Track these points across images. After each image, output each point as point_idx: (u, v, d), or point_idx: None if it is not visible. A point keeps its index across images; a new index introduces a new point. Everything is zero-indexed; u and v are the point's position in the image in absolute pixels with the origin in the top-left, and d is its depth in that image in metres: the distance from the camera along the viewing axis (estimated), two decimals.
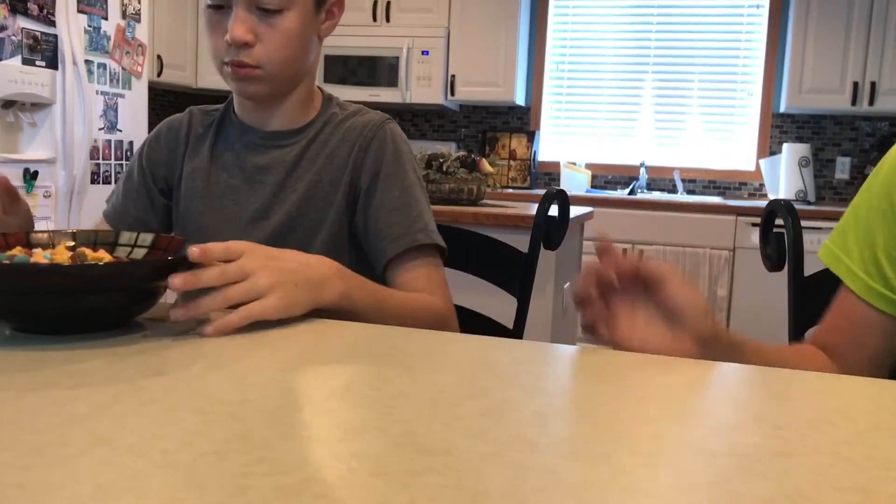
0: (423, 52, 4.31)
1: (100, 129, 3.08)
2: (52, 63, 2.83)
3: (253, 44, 1.00)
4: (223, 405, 0.53)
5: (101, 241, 0.82)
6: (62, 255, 0.73)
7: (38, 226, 2.82)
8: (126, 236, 0.84)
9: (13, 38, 2.67)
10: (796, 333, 1.15)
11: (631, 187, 4.27)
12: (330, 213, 1.08)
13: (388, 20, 4.39)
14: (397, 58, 4.31)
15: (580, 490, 0.44)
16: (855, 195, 0.91)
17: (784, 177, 4.05)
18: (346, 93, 4.28)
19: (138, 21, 3.26)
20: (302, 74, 1.09)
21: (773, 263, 1.29)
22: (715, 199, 4.04)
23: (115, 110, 3.17)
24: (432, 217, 1.10)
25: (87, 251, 0.75)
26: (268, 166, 1.11)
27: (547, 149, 4.58)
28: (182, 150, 1.14)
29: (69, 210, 2.94)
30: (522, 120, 4.62)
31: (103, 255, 0.75)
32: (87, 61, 2.98)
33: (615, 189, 4.43)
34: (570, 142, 4.55)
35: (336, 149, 1.10)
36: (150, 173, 1.15)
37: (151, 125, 3.77)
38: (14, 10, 2.66)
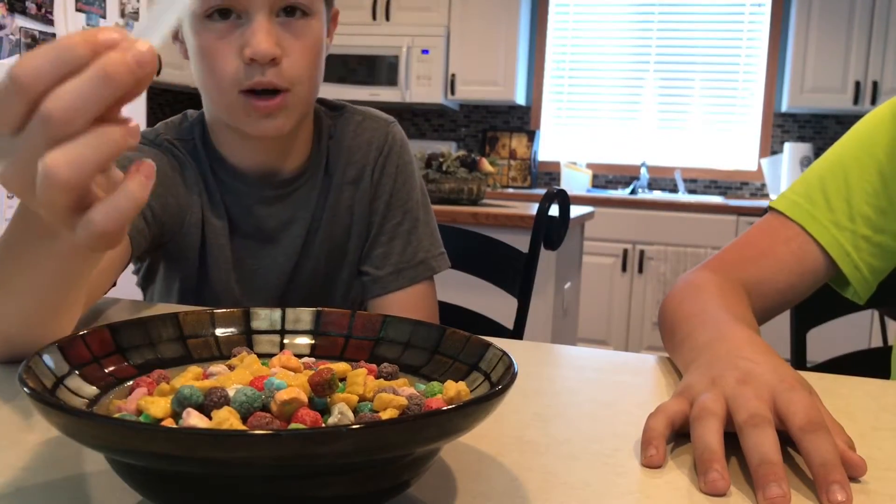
0: (422, 52, 4.30)
1: None
2: None
3: (280, 60, 0.80)
4: None
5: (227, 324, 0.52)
6: (300, 381, 0.41)
7: None
8: (263, 316, 0.53)
9: (11, 36, 2.67)
10: (797, 331, 1.15)
11: (632, 187, 4.27)
12: (350, 244, 0.96)
13: (387, 19, 4.39)
14: (397, 57, 4.31)
15: (580, 490, 0.44)
16: None
17: (786, 176, 4.04)
18: (345, 92, 4.27)
19: (136, 20, 3.26)
20: (316, 98, 0.91)
21: None
22: (716, 199, 4.03)
23: None
24: (434, 229, 0.99)
25: (330, 367, 0.42)
26: (292, 218, 0.93)
27: (547, 148, 4.58)
28: (184, 193, 0.90)
29: None
30: (523, 119, 4.62)
31: (343, 367, 0.44)
32: None
33: (616, 189, 4.42)
34: (570, 141, 4.54)
35: (345, 174, 0.95)
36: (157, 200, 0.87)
37: (150, 124, 3.75)
38: (12, 9, 2.66)
